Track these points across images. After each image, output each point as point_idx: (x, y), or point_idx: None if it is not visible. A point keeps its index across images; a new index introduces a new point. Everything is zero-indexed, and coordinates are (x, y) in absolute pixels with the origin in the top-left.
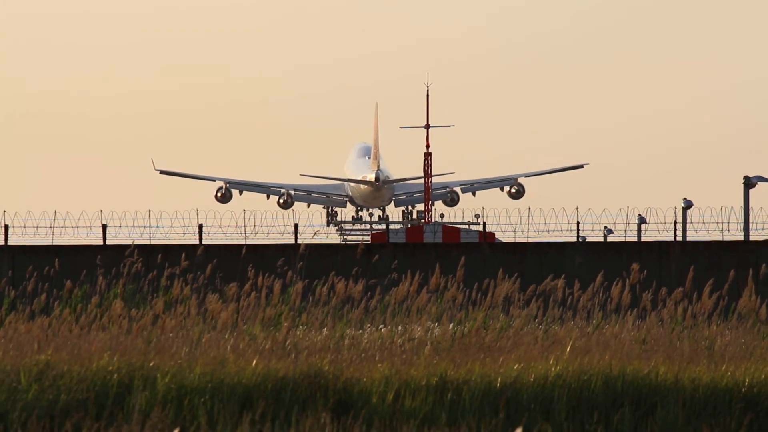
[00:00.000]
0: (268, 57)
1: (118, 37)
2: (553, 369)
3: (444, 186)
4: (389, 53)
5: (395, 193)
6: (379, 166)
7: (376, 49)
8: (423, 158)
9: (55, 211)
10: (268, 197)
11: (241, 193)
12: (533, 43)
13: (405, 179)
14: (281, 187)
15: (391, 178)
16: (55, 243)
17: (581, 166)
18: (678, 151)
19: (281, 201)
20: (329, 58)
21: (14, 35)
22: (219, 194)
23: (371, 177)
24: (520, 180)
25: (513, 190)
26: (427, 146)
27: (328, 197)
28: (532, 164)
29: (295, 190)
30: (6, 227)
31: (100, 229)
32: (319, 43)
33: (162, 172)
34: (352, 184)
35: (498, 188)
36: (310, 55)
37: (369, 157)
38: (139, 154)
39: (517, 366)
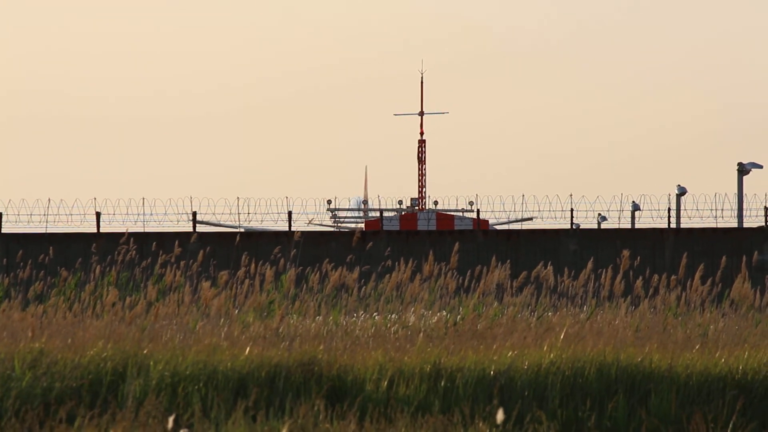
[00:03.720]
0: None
1: (111, 19)
2: (546, 356)
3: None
4: (382, 40)
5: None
6: None
7: (369, 36)
8: (417, 145)
9: (49, 199)
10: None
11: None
12: (529, 29)
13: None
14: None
15: None
16: (49, 231)
17: (531, 219)
18: (672, 138)
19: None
20: (323, 45)
21: (9, 23)
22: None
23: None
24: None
25: None
26: (421, 133)
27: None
28: (527, 149)
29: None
30: (0, 215)
31: (94, 217)
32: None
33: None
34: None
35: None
36: (306, 47)
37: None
38: (133, 140)
39: (510, 353)
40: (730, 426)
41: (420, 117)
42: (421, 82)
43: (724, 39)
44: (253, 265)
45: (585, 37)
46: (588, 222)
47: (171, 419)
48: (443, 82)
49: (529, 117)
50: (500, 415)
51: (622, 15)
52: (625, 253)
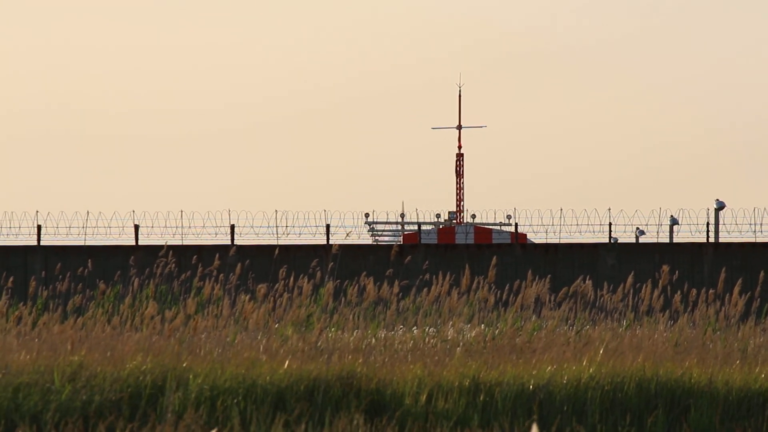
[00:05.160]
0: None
1: (151, 33)
2: (586, 371)
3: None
4: (420, 54)
5: None
6: None
7: (406, 47)
8: (455, 159)
9: (88, 212)
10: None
11: None
12: (567, 39)
13: None
14: None
15: None
16: (88, 243)
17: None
18: (711, 152)
19: None
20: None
21: (43, 28)
22: None
23: None
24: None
25: None
26: (459, 147)
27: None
28: (565, 163)
29: None
30: (39, 227)
31: (133, 230)
32: (350, 45)
33: None
34: None
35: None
36: (338, 59)
37: None
38: (171, 154)
39: (549, 368)
40: None
41: (458, 131)
42: (459, 96)
43: (765, 46)
44: (291, 279)
45: (624, 46)
46: (626, 236)
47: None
48: (481, 94)
49: (566, 129)
50: (535, 429)
51: (662, 23)
52: (665, 268)
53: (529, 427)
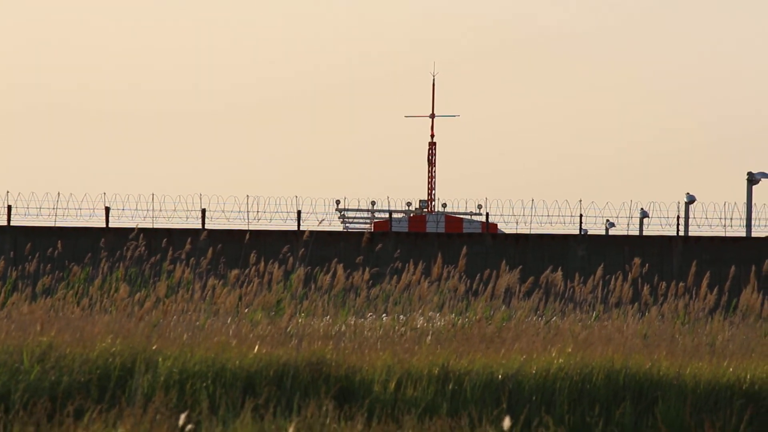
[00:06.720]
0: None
1: (123, 12)
2: (555, 361)
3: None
4: (394, 43)
5: None
6: None
7: (380, 36)
8: (427, 148)
9: (59, 193)
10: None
11: None
12: (542, 31)
13: None
14: None
15: None
16: (58, 224)
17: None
18: (682, 146)
19: None
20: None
21: (15, 16)
22: None
23: None
24: None
25: None
26: (432, 135)
27: None
28: (537, 154)
29: None
30: (9, 207)
31: (103, 212)
32: (322, 35)
33: None
34: None
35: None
36: (311, 49)
37: None
38: (143, 136)
39: (519, 358)
40: None
41: (431, 119)
42: (433, 85)
43: (737, 46)
44: (262, 264)
45: (599, 40)
46: (596, 228)
47: (183, 416)
48: (455, 83)
49: (539, 121)
50: (507, 423)
51: (637, 17)
52: (636, 260)
53: (498, 416)
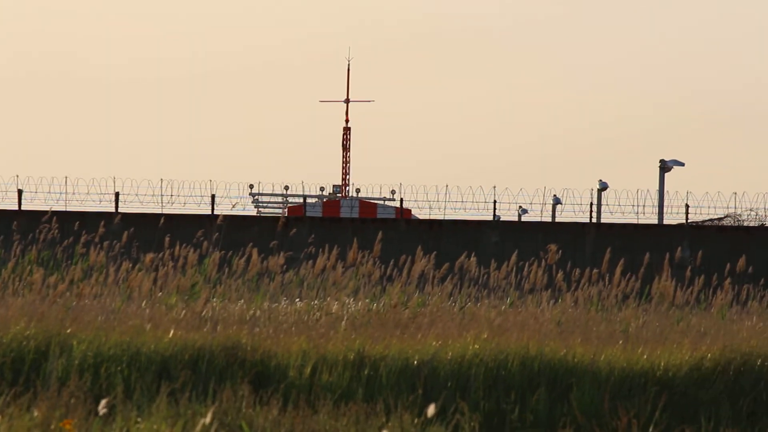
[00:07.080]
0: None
1: None
2: (470, 347)
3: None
4: (310, 28)
5: None
6: None
7: (295, 19)
8: (342, 133)
9: None
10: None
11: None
12: (459, 18)
13: None
14: None
15: None
16: None
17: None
18: (595, 133)
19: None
20: (245, 31)
21: None
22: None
23: None
24: None
25: None
26: (347, 120)
27: None
28: (451, 140)
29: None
30: None
31: (16, 194)
32: (236, 17)
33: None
34: None
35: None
36: (224, 33)
37: None
38: (56, 118)
39: (434, 343)
40: (654, 421)
41: (346, 104)
42: (348, 70)
43: (650, 36)
44: (176, 248)
45: (515, 30)
46: (510, 215)
47: (104, 402)
48: (370, 69)
49: (454, 108)
50: (431, 410)
51: (554, 9)
52: (552, 246)
53: (414, 402)
